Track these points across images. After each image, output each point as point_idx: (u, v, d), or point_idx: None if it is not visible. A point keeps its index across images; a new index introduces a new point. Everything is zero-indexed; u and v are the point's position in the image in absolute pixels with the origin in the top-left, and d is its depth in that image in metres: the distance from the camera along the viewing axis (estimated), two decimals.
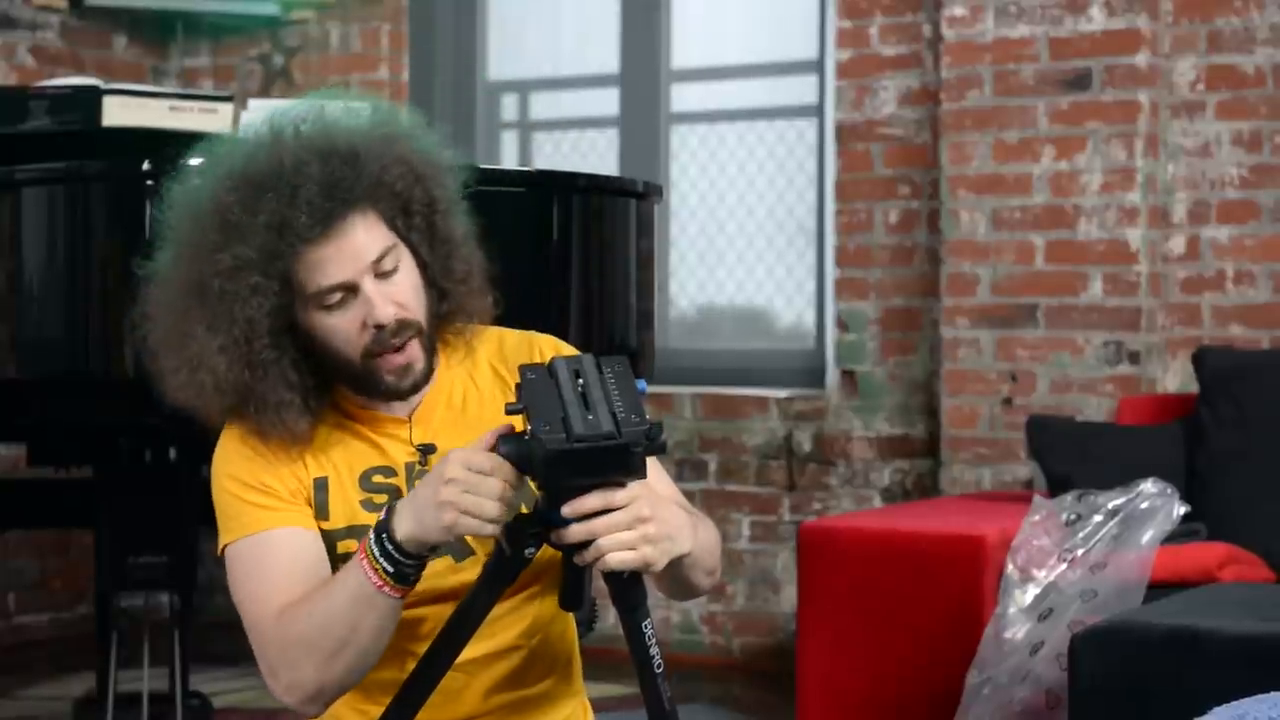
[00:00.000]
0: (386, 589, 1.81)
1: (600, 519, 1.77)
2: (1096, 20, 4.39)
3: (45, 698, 4.47)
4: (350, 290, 1.91)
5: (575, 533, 1.77)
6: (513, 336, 2.08)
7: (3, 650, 5.07)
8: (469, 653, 1.91)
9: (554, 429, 1.72)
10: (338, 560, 1.94)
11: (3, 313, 3.09)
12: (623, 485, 1.77)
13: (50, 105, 3.36)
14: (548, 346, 2.06)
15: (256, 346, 1.91)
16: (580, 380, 1.77)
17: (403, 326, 1.93)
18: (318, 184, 1.89)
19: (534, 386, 1.77)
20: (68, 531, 5.20)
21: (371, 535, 1.82)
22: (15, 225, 3.10)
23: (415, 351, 1.94)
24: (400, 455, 1.98)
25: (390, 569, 1.80)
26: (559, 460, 1.72)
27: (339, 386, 2.00)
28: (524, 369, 1.80)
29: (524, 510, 1.82)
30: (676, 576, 1.91)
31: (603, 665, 3.74)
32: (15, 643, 5.16)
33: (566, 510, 1.76)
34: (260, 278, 1.89)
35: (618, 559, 1.77)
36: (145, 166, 3.04)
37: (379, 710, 1.91)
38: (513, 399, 1.79)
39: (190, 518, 3.54)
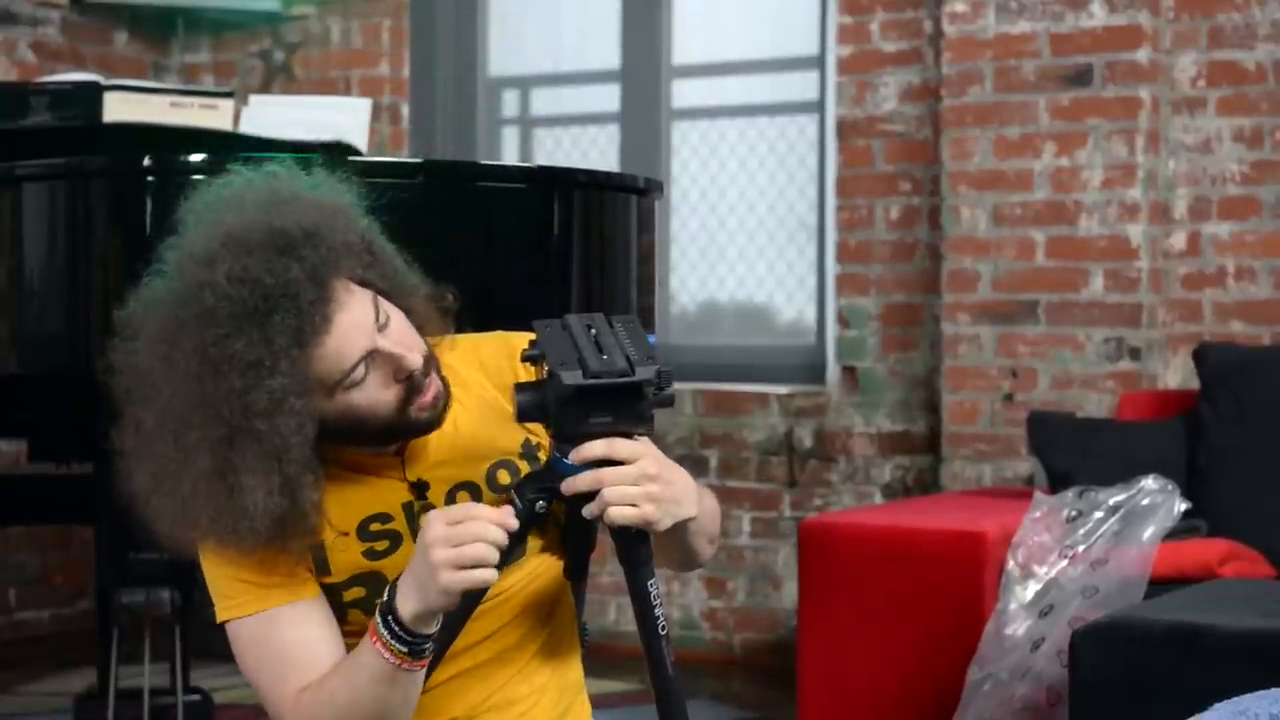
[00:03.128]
0: (405, 665, 1.81)
1: (608, 470, 1.78)
2: (1097, 16, 4.39)
3: (46, 693, 4.47)
4: (369, 358, 1.85)
5: (582, 480, 1.78)
6: (487, 340, 2.06)
7: (4, 646, 5.07)
8: (474, 657, 1.91)
9: (570, 366, 1.75)
10: (346, 608, 1.93)
11: (3, 308, 3.09)
12: (630, 436, 1.79)
13: (51, 101, 3.36)
14: (522, 340, 2.02)
15: (293, 470, 1.82)
16: (593, 330, 1.81)
17: (425, 363, 1.90)
18: (306, 280, 1.81)
19: (549, 336, 1.80)
20: (69, 527, 5.20)
21: (379, 619, 1.79)
22: (16, 221, 3.10)
23: (437, 380, 1.91)
24: (395, 497, 1.95)
25: (404, 649, 1.80)
26: (575, 396, 1.75)
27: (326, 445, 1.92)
28: (538, 323, 1.82)
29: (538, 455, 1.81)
30: (680, 540, 1.91)
31: (603, 661, 3.74)
32: (16, 638, 5.16)
33: (574, 456, 1.78)
34: (297, 400, 1.81)
35: (620, 514, 1.78)
36: (146, 162, 3.04)
37: None
38: (504, 398, 1.79)
39: None
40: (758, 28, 5.22)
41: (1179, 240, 4.44)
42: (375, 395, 1.86)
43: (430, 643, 1.81)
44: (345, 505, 1.93)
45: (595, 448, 1.78)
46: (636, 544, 1.83)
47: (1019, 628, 3.37)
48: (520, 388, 1.80)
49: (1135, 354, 4.35)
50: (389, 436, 1.92)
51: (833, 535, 3.71)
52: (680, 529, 1.87)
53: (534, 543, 1.95)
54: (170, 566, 3.46)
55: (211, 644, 4.81)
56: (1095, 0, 4.39)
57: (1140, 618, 3.00)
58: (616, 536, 1.83)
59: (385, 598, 1.80)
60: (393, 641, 1.79)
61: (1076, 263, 4.41)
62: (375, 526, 1.94)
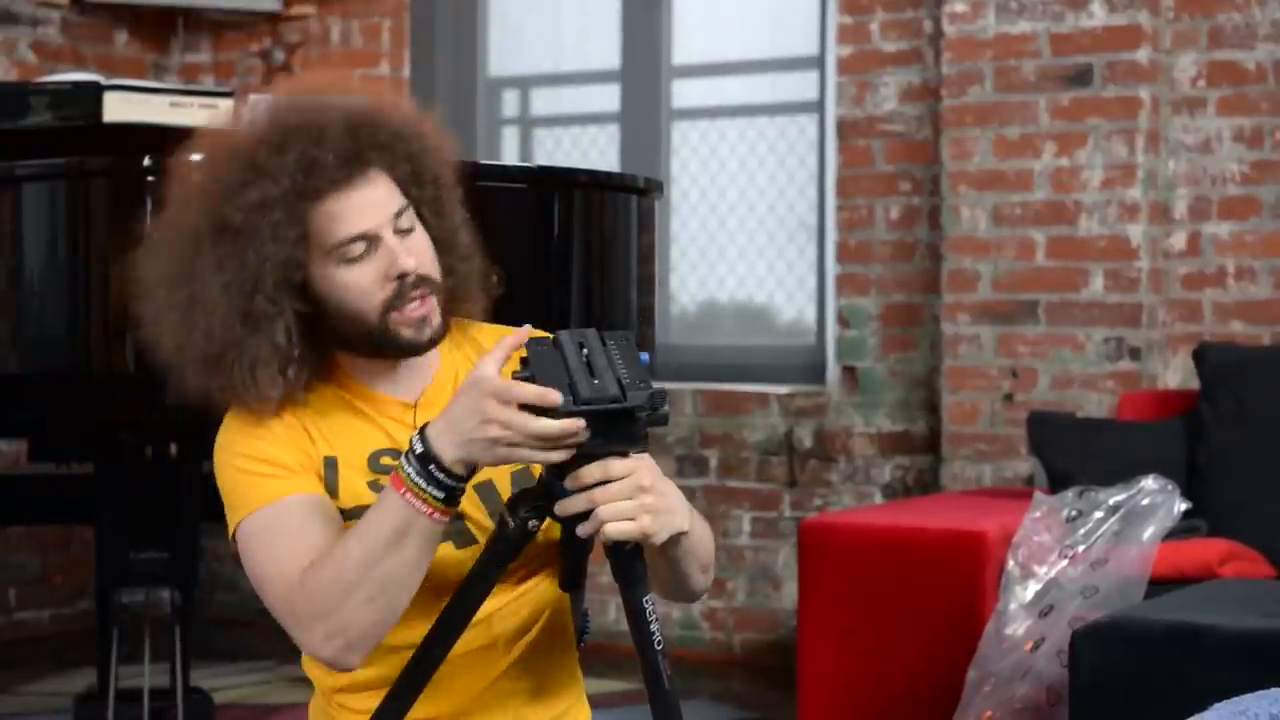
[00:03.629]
0: (437, 514, 1.79)
1: (601, 488, 1.78)
2: (1097, 16, 4.39)
3: (46, 693, 4.47)
4: (371, 242, 1.91)
5: (576, 502, 1.78)
6: (510, 333, 2.08)
7: (4, 646, 5.07)
8: (467, 643, 1.90)
9: (561, 391, 1.74)
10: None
11: (3, 308, 3.09)
12: (625, 455, 1.79)
13: (51, 101, 3.37)
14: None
15: (258, 298, 1.89)
16: (585, 350, 1.79)
17: (422, 280, 1.93)
18: (344, 131, 1.91)
19: (540, 357, 1.79)
20: (69, 527, 5.20)
21: (413, 466, 1.79)
22: (16, 221, 3.10)
23: (432, 304, 1.94)
24: (406, 439, 1.97)
25: (440, 495, 1.78)
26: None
27: (344, 367, 1.99)
28: (530, 342, 1.82)
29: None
30: (673, 564, 1.91)
31: (602, 660, 3.74)
32: (16, 638, 5.16)
33: (568, 483, 1.78)
34: (283, 216, 1.89)
35: (616, 529, 1.78)
36: (146, 162, 3.04)
37: (374, 703, 1.90)
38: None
39: (191, 513, 3.54)
40: (758, 28, 5.22)
41: (1179, 240, 4.44)
42: (364, 285, 1.91)
43: (462, 493, 1.80)
44: (357, 437, 1.96)
45: (591, 472, 1.78)
46: (631, 561, 1.83)
47: (1019, 628, 3.37)
48: None
49: (1135, 354, 4.35)
50: (370, 342, 1.95)
51: (833, 535, 3.71)
52: (673, 550, 1.87)
53: (526, 559, 1.94)
54: (170, 566, 3.46)
55: (211, 644, 4.82)
56: (1095, 0, 4.39)
57: (1140, 618, 3.00)
58: (611, 554, 1.82)
59: (416, 447, 1.79)
60: (429, 487, 1.78)
61: (1076, 263, 4.41)
62: (386, 460, 1.96)
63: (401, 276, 1.91)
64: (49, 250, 3.11)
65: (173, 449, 3.56)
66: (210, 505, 3.32)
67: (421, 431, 1.80)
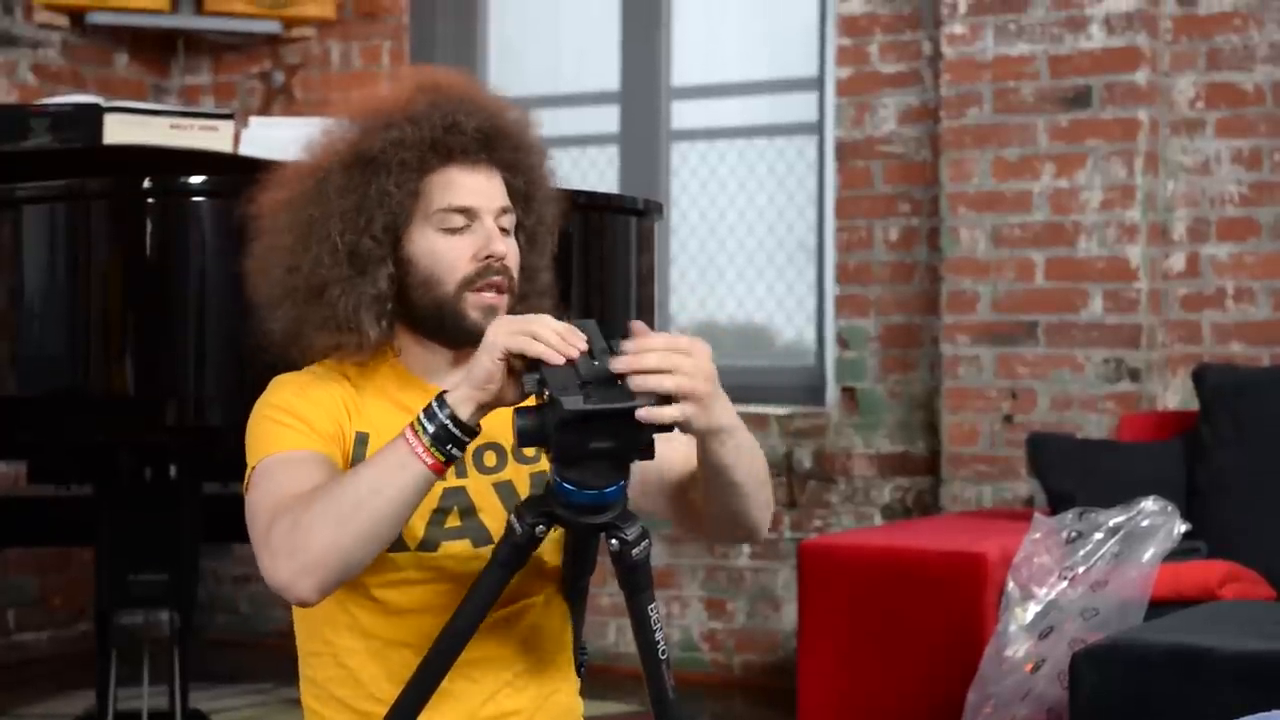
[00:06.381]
0: (432, 465, 1.81)
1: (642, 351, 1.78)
2: (1096, 38, 4.40)
3: (45, 716, 4.46)
4: (473, 220, 2.00)
5: (623, 362, 1.77)
6: None
7: (2, 668, 5.06)
8: (471, 654, 1.90)
9: (570, 392, 1.75)
10: None
11: (4, 330, 3.09)
12: (631, 461, 1.80)
13: (51, 123, 3.37)
14: None
15: (365, 239, 1.98)
16: (594, 358, 1.81)
17: (504, 271, 2.00)
18: (490, 116, 2.03)
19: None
20: (68, 549, 5.20)
21: (421, 412, 1.83)
22: (16, 243, 3.11)
23: (504, 303, 2.01)
24: None
25: (440, 443, 1.80)
26: (576, 422, 1.75)
27: (404, 349, 2.02)
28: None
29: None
30: (723, 476, 1.89)
31: (602, 682, 3.73)
32: (15, 660, 5.15)
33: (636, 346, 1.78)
34: (412, 160, 1.98)
35: (654, 382, 1.76)
36: (146, 184, 3.04)
37: (383, 710, 1.90)
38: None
39: (190, 535, 3.54)
40: (757, 49, 5.23)
41: (1178, 261, 4.44)
42: (453, 256, 1.99)
43: (461, 450, 1.81)
44: (396, 419, 1.96)
45: (656, 340, 1.78)
46: (637, 568, 1.83)
47: (1019, 649, 3.36)
48: (520, 412, 1.80)
49: (1135, 375, 4.36)
50: (438, 315, 2.00)
51: (832, 557, 3.71)
52: (721, 452, 1.86)
53: (530, 568, 1.95)
54: (169, 588, 3.46)
55: (210, 666, 4.81)
56: (1094, 22, 4.40)
57: (1140, 640, 3.00)
58: (618, 561, 1.83)
59: (432, 400, 1.83)
60: (429, 425, 1.80)
61: (1075, 284, 4.42)
62: None
63: (489, 258, 1.99)
64: (49, 272, 3.12)
65: (172, 470, 3.56)
66: (209, 527, 3.33)
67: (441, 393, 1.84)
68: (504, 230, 2.03)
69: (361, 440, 1.98)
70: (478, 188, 2.01)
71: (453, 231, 2.00)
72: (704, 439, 1.86)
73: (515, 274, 2.03)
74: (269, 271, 2.03)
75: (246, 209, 2.09)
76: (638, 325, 1.82)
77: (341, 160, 2.00)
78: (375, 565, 1.91)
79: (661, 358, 1.78)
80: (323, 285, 1.99)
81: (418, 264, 2.00)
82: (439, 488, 1.96)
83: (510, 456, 2.02)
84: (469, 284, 1.99)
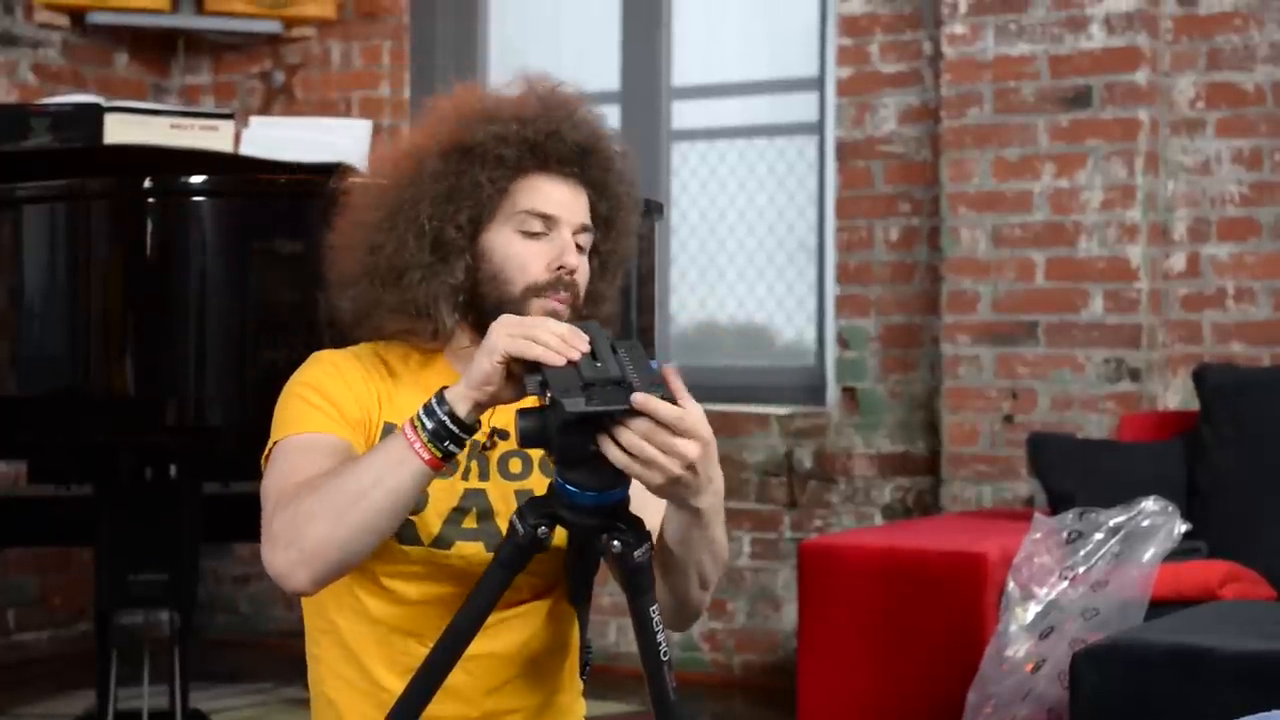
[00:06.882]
0: (430, 461, 1.80)
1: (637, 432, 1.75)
2: (1096, 38, 4.40)
3: (45, 716, 4.46)
4: (553, 229, 2.01)
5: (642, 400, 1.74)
6: None
7: (2, 668, 5.06)
8: (473, 652, 1.90)
9: (573, 394, 1.75)
10: None
11: (4, 329, 3.09)
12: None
13: (52, 123, 3.37)
14: None
15: (449, 228, 1.99)
16: (597, 360, 1.81)
17: (573, 286, 2.02)
18: (592, 134, 2.04)
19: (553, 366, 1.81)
20: (68, 549, 5.20)
21: (421, 409, 1.83)
22: (17, 242, 3.11)
23: (566, 316, 2.00)
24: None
25: (438, 437, 1.80)
26: (578, 424, 1.75)
27: (456, 351, 2.02)
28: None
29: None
30: (678, 549, 1.89)
31: (603, 682, 3.73)
32: (15, 660, 5.15)
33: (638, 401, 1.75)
34: (509, 156, 2.00)
35: (652, 473, 1.74)
36: (146, 184, 3.04)
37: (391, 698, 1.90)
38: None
39: (190, 535, 3.54)
40: (757, 49, 5.23)
41: (1178, 261, 4.44)
42: (526, 259, 2.00)
43: (459, 447, 1.81)
44: None
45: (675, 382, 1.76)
46: (639, 571, 1.83)
47: (1019, 649, 3.36)
48: (523, 414, 1.80)
49: (1135, 375, 4.35)
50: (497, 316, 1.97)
51: (833, 557, 3.71)
52: (682, 527, 1.85)
53: (533, 570, 1.95)
54: (169, 588, 3.46)
55: (210, 666, 4.81)
56: (1094, 22, 4.40)
57: (1141, 640, 3.00)
58: (620, 564, 1.82)
59: (432, 397, 1.83)
60: (428, 422, 1.80)
61: (1076, 284, 4.41)
62: None
63: (560, 269, 2.00)
64: (49, 271, 3.12)
65: (172, 470, 3.56)
66: (210, 527, 3.32)
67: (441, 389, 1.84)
68: (580, 248, 2.04)
69: (388, 430, 1.98)
70: (563, 199, 2.03)
71: (531, 235, 2.01)
72: (680, 510, 1.84)
73: (582, 292, 2.04)
74: (352, 248, 2.04)
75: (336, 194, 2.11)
76: (669, 370, 1.79)
77: (441, 146, 2.02)
78: (386, 555, 1.93)
79: (667, 444, 1.74)
80: (403, 269, 2.00)
81: (491, 260, 2.01)
82: (460, 487, 1.97)
83: (536, 466, 2.03)
84: (536, 290, 2.00)
